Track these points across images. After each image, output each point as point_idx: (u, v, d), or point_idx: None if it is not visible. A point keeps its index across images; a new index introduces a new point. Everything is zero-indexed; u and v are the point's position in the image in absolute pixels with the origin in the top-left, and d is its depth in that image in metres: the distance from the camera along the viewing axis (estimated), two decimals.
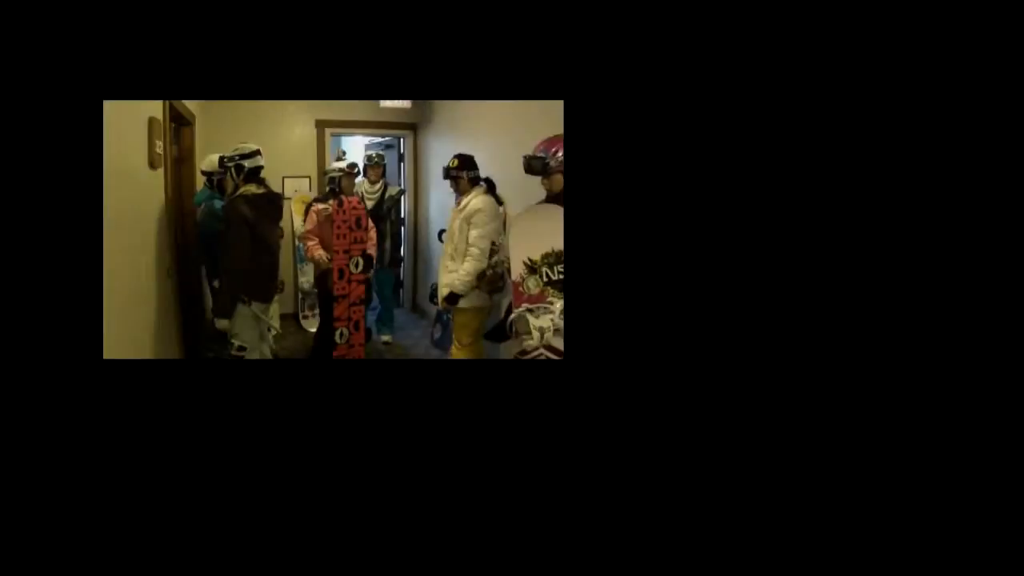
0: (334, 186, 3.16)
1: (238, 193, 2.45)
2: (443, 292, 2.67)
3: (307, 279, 4.27)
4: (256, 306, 2.47)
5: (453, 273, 2.62)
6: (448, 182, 2.70)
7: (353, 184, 3.25)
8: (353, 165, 3.23)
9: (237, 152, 2.52)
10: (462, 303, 2.62)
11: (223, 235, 2.43)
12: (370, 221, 3.27)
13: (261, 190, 2.49)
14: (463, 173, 2.63)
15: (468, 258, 2.53)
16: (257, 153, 2.52)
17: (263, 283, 2.53)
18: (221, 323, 2.38)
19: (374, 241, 3.34)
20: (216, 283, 2.85)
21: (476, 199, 2.57)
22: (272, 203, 2.58)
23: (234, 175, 2.53)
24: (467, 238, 2.56)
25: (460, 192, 2.68)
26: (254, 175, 2.50)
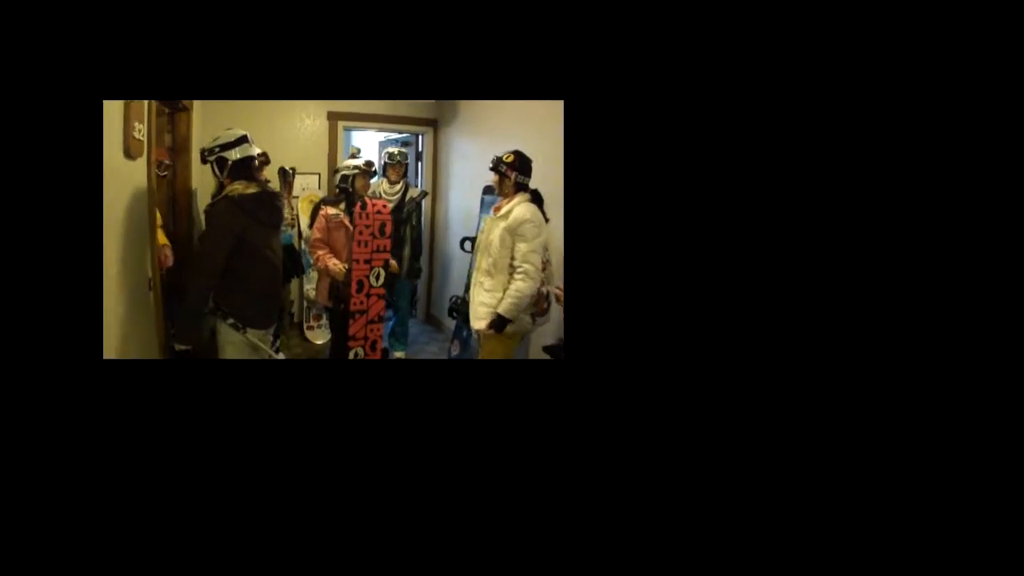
0: (346, 186, 2.75)
1: (223, 194, 1.96)
2: (478, 312, 2.26)
3: (313, 286, 3.87)
4: (253, 333, 2.02)
5: (491, 292, 2.23)
6: (492, 177, 2.32)
7: (368, 184, 2.85)
8: (370, 163, 2.82)
9: (217, 143, 2.01)
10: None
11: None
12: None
13: (252, 188, 1.98)
14: (513, 173, 2.23)
15: (521, 276, 2.14)
16: (243, 140, 2.01)
17: (261, 306, 2.06)
18: (180, 347, 1.96)
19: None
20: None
21: (521, 207, 2.18)
22: (268, 204, 2.05)
23: (217, 171, 2.01)
24: (512, 252, 2.18)
25: (502, 194, 2.30)
26: (243, 169, 2.00)
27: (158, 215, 2.59)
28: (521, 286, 2.13)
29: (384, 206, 2.73)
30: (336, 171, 2.88)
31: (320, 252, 2.67)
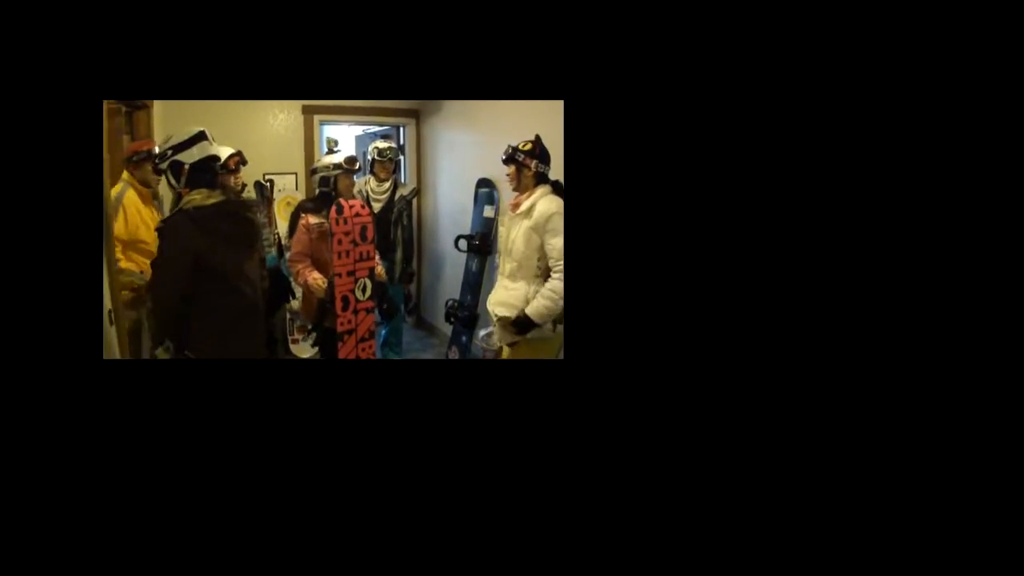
0: (327, 189, 2.45)
1: (179, 207, 1.63)
2: (497, 312, 2.05)
3: (298, 303, 3.57)
4: None
5: (513, 292, 2.02)
6: (508, 171, 2.08)
7: (353, 184, 2.55)
8: (352, 159, 2.52)
9: (169, 144, 1.66)
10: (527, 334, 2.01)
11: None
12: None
13: (214, 198, 1.63)
14: (533, 162, 1.99)
15: (559, 275, 1.91)
16: (201, 137, 1.66)
17: (236, 350, 1.68)
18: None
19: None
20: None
21: (544, 200, 1.96)
22: (234, 217, 1.69)
23: (172, 180, 1.66)
24: (539, 252, 1.96)
25: (520, 188, 2.06)
26: (204, 174, 1.65)
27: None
28: (558, 285, 1.89)
29: (362, 207, 2.43)
30: (314, 171, 2.58)
31: (300, 266, 2.38)
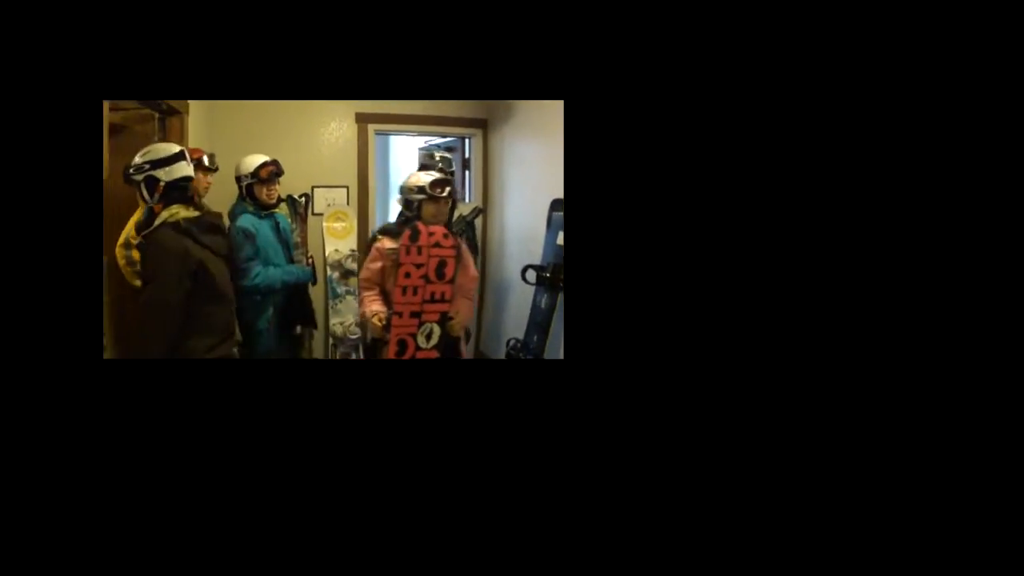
0: (410, 213, 2.11)
1: (160, 220, 1.65)
2: None
3: (340, 320, 3.20)
4: None
5: None
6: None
7: (444, 212, 2.15)
8: (442, 182, 2.12)
9: (146, 157, 1.68)
10: None
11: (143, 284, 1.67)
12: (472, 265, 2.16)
13: (194, 212, 1.71)
14: None
15: None
16: (179, 157, 1.70)
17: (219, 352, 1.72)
18: None
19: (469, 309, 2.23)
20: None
21: None
22: (215, 231, 1.77)
23: (145, 194, 1.69)
24: None
25: None
26: (176, 191, 1.69)
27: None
28: None
29: (445, 236, 2.04)
30: (401, 192, 2.23)
31: (365, 295, 2.10)
